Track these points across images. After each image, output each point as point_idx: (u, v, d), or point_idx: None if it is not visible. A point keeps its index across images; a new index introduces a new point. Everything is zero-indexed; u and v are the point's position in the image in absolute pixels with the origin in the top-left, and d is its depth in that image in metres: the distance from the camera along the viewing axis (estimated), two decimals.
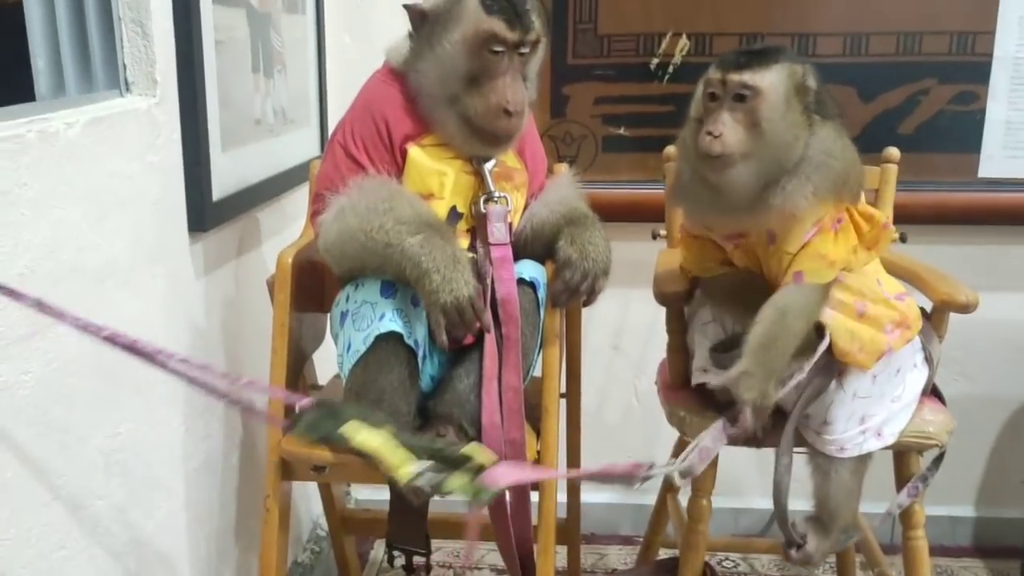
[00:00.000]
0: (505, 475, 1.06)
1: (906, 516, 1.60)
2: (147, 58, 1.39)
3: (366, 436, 1.02)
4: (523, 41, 1.39)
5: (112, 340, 1.06)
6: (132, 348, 1.06)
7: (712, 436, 1.46)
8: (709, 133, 1.35)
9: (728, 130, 1.35)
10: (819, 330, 1.42)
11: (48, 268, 1.13)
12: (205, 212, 1.53)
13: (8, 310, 1.05)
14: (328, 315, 1.56)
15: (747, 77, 1.34)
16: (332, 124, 1.70)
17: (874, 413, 1.50)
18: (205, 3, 1.50)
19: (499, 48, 1.38)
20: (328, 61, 2.15)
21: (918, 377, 1.55)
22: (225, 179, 1.61)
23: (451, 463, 1.04)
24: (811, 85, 1.37)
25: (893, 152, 1.76)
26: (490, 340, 1.41)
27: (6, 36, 1.53)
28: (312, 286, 1.60)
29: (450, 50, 1.39)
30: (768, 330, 1.39)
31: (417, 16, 1.43)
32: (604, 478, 1.22)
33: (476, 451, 1.07)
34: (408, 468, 1.00)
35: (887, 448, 1.53)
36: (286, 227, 1.97)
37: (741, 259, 1.51)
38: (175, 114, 1.46)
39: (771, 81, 1.34)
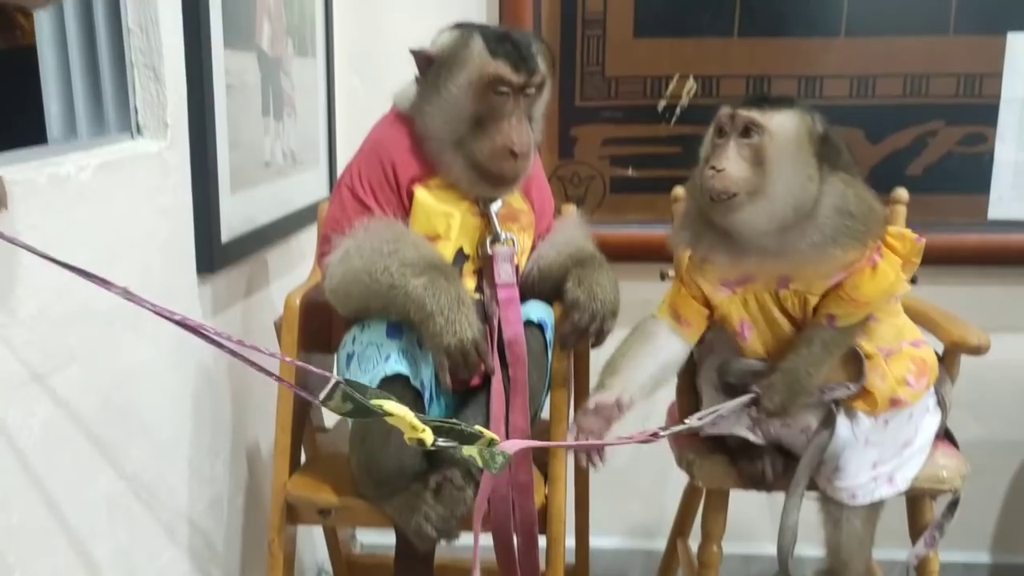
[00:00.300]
0: (515, 443, 1.11)
1: (920, 565, 1.57)
2: (158, 102, 1.40)
3: (394, 407, 1.06)
4: (528, 83, 1.40)
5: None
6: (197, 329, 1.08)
7: (731, 408, 1.40)
8: (712, 167, 1.33)
9: (732, 165, 1.31)
10: (857, 359, 1.42)
11: (58, 311, 1.13)
12: (214, 254, 1.54)
13: (16, 353, 1.05)
14: (335, 356, 1.55)
15: (755, 114, 1.32)
16: (341, 166, 1.71)
17: (886, 459, 1.48)
18: (216, 48, 1.52)
19: (504, 90, 1.39)
20: (337, 103, 2.17)
21: (931, 421, 1.53)
22: (234, 221, 1.62)
23: (465, 438, 1.08)
24: (821, 132, 1.35)
25: (902, 193, 1.76)
26: (497, 382, 1.41)
27: (20, 79, 1.56)
28: (319, 327, 1.60)
29: (456, 93, 1.40)
30: (797, 362, 1.40)
31: (423, 61, 1.45)
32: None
33: (486, 431, 1.12)
34: (431, 437, 1.04)
35: (900, 495, 1.50)
36: (294, 268, 1.98)
37: (736, 311, 1.46)
38: (185, 157, 1.47)
39: (779, 121, 1.33)
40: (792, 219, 1.33)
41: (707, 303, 1.50)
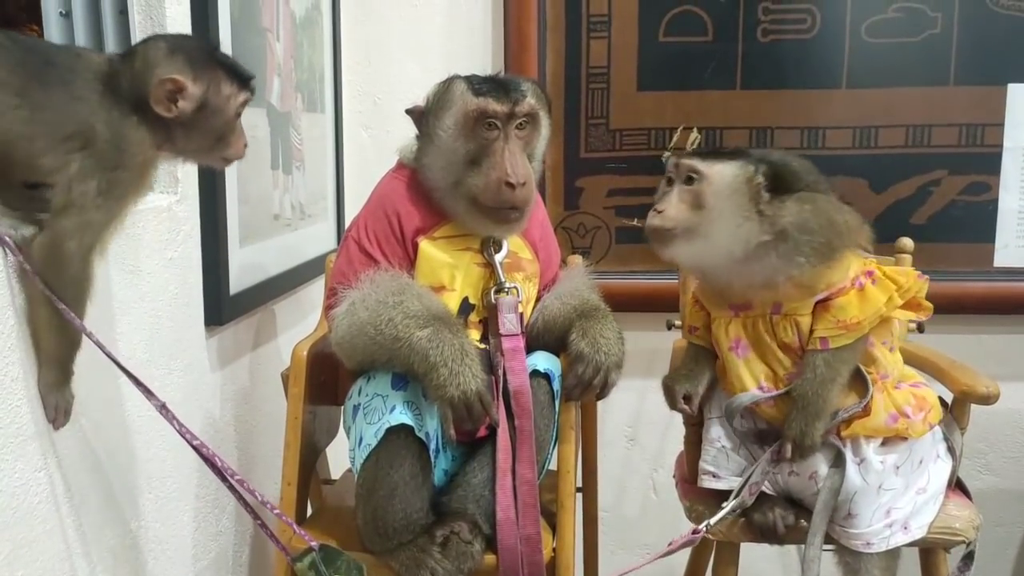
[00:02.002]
0: None
1: None
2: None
3: None
4: (514, 112, 1.42)
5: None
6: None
7: (760, 471, 1.48)
8: (655, 209, 1.47)
9: (671, 208, 1.45)
10: (862, 379, 1.46)
11: None
12: (222, 306, 1.55)
13: (22, 407, 1.05)
14: (342, 408, 1.55)
15: (697, 162, 1.45)
16: (349, 217, 1.73)
17: (900, 506, 1.47)
18: None
19: (493, 122, 1.41)
20: (346, 156, 2.20)
21: (942, 468, 1.52)
22: (242, 273, 1.63)
23: None
24: (760, 181, 1.42)
25: (907, 243, 1.77)
26: (503, 433, 1.40)
27: None
28: (326, 379, 1.60)
29: (446, 136, 1.44)
30: (805, 386, 1.44)
31: (417, 115, 1.49)
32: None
33: None
34: None
35: (914, 544, 1.49)
36: (302, 319, 1.99)
37: (735, 330, 1.51)
38: (195, 211, 1.49)
39: (718, 169, 1.44)
40: (740, 252, 1.43)
41: (709, 318, 1.57)
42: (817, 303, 1.45)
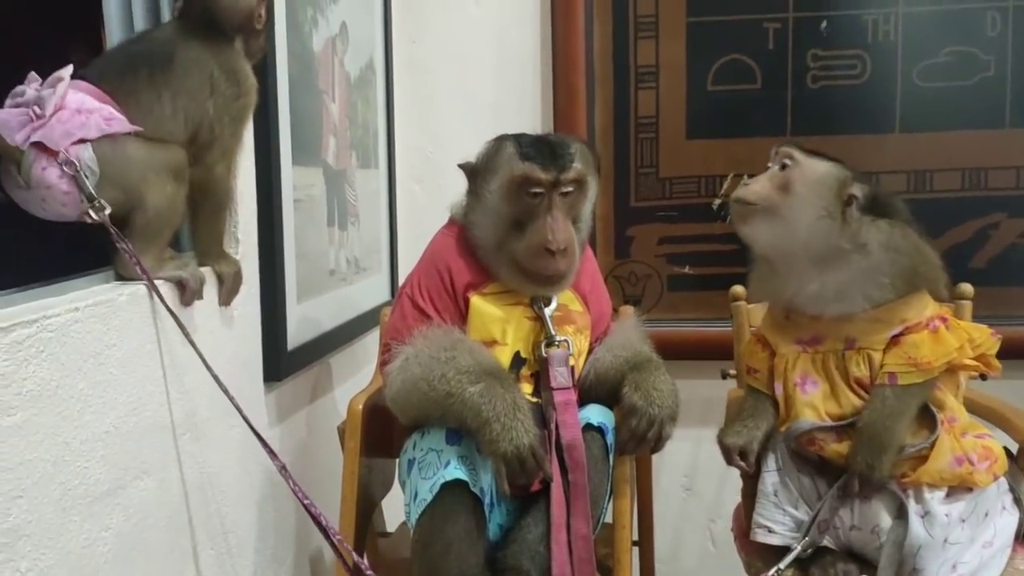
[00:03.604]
0: None
1: None
2: (231, 218, 1.47)
3: None
4: (559, 180, 1.44)
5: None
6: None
7: (828, 508, 1.45)
8: (743, 183, 1.51)
9: (759, 183, 1.49)
10: (930, 416, 1.43)
11: (131, 424, 1.18)
12: (280, 362, 1.58)
13: (93, 467, 1.09)
14: (397, 462, 1.57)
15: (795, 150, 1.49)
16: (403, 270, 1.76)
17: (966, 560, 1.42)
18: (285, 166, 1.59)
19: (537, 190, 1.43)
20: (399, 209, 2.24)
21: (1009, 521, 1.47)
22: (299, 328, 1.67)
23: None
24: (856, 194, 1.44)
25: (966, 288, 1.73)
26: (557, 488, 1.40)
27: None
28: (382, 432, 1.62)
29: (493, 198, 1.46)
30: (872, 416, 1.42)
31: (469, 171, 1.51)
32: None
33: None
34: None
35: None
36: (358, 371, 2.02)
37: (803, 366, 1.49)
38: (255, 269, 1.53)
39: (814, 164, 1.47)
40: (815, 249, 1.44)
41: (772, 356, 1.56)
42: (890, 339, 1.44)
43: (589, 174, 1.48)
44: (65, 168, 1.15)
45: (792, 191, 1.45)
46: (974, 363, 1.46)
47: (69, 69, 1.18)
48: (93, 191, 1.17)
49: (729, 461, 1.54)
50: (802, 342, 1.50)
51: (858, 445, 1.42)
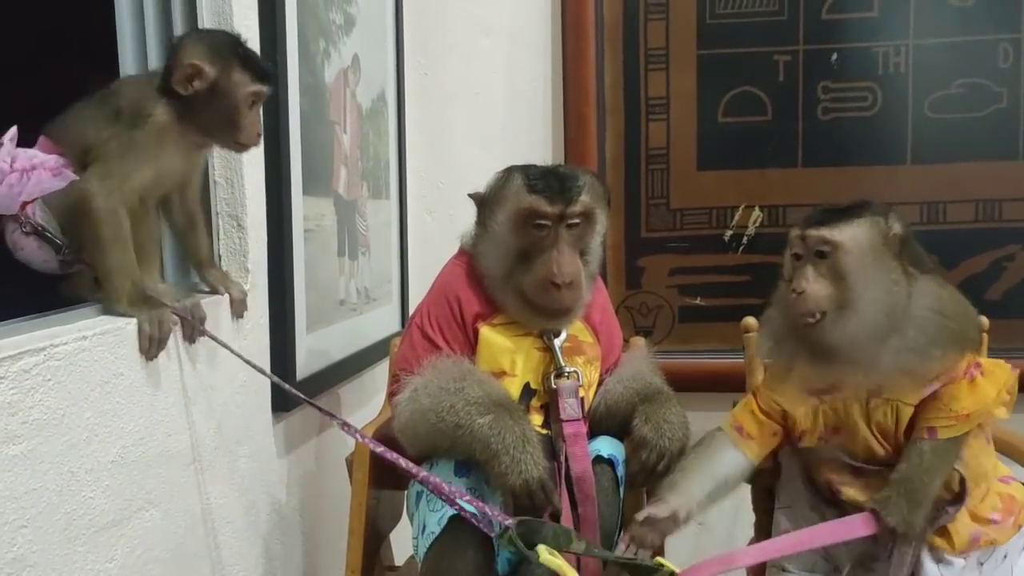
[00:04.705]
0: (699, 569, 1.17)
1: None
2: (240, 249, 1.48)
3: (559, 563, 1.20)
4: (565, 214, 1.43)
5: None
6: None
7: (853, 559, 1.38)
8: (794, 291, 1.33)
9: (811, 286, 1.31)
10: (960, 480, 1.36)
11: (139, 453, 1.17)
12: (289, 393, 1.57)
13: (99, 497, 1.08)
14: (405, 494, 1.55)
15: (825, 232, 1.32)
16: (413, 300, 1.76)
17: None
18: (296, 196, 1.60)
19: (543, 223, 1.42)
20: (410, 239, 2.24)
21: None
22: (309, 359, 1.66)
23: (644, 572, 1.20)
24: (899, 232, 1.34)
25: (982, 321, 1.71)
26: (567, 521, 1.38)
27: None
28: (391, 464, 1.60)
29: (499, 230, 1.46)
30: (910, 471, 1.33)
31: (478, 201, 1.51)
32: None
33: (664, 562, 1.21)
34: None
35: None
36: (367, 402, 2.01)
37: (821, 421, 1.41)
38: (264, 300, 1.53)
39: (851, 234, 1.32)
40: (886, 325, 1.31)
41: (783, 418, 1.46)
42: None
43: (597, 207, 1.48)
44: (25, 230, 1.21)
45: (849, 277, 1.30)
46: (1004, 411, 1.38)
47: (12, 131, 1.19)
48: (60, 242, 1.22)
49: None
50: (815, 391, 1.41)
51: (894, 500, 1.33)
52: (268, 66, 1.34)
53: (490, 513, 1.26)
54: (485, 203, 1.50)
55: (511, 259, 1.45)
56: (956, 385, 1.34)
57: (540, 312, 1.45)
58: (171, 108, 1.26)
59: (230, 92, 1.27)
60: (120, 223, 1.21)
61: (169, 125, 1.26)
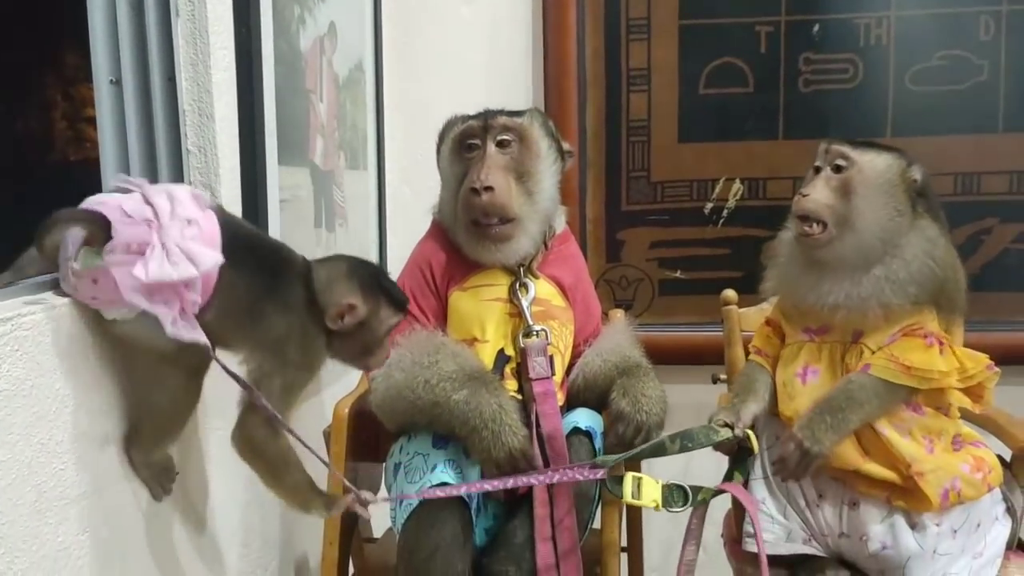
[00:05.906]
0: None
1: None
2: None
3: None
4: (488, 125, 1.46)
5: None
6: None
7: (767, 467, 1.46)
8: (801, 193, 1.40)
9: (818, 192, 1.39)
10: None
11: (111, 425, 1.15)
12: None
13: (67, 469, 1.06)
14: (383, 466, 1.55)
15: (847, 149, 1.39)
16: (391, 272, 1.73)
17: (955, 571, 1.40)
18: (271, 166, 1.57)
19: (472, 141, 1.47)
20: (388, 212, 2.22)
21: (1000, 531, 1.46)
22: None
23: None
24: (916, 178, 1.39)
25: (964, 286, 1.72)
26: (540, 488, 1.38)
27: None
28: (368, 436, 1.60)
29: (444, 167, 1.53)
30: (833, 394, 1.38)
31: (437, 153, 1.58)
32: None
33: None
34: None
35: None
36: (343, 376, 1.99)
37: (808, 356, 1.45)
38: None
39: (871, 159, 1.39)
40: (878, 250, 1.38)
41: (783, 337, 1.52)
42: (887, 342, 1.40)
43: (536, 133, 1.49)
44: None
45: (855, 195, 1.37)
46: (959, 395, 1.42)
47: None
48: None
49: None
50: (810, 331, 1.46)
51: (809, 415, 1.37)
52: (404, 296, 1.33)
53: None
54: (439, 152, 1.55)
55: (454, 190, 1.48)
56: (911, 339, 1.39)
57: (477, 232, 1.45)
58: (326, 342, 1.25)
59: (376, 328, 1.26)
60: (290, 460, 1.24)
61: (324, 361, 1.27)
